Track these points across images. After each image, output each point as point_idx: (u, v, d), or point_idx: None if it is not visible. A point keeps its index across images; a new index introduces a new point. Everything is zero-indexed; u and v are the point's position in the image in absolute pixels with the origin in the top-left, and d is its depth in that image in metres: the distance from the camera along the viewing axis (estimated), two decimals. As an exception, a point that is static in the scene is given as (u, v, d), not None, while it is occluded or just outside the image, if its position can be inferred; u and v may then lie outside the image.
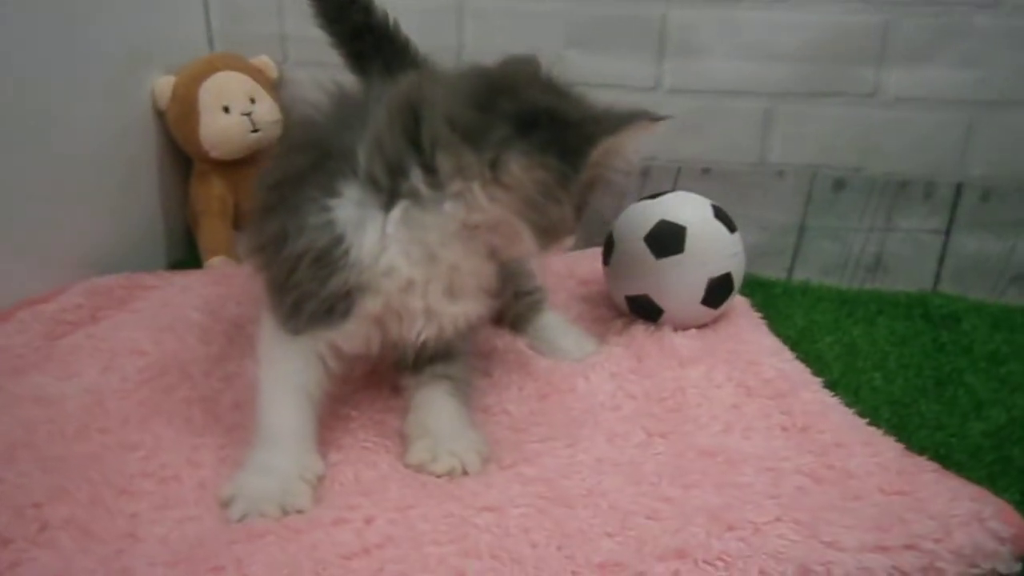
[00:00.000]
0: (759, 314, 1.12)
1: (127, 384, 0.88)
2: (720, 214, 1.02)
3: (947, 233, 1.26)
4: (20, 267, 1.05)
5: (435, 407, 0.82)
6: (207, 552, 0.63)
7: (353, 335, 0.77)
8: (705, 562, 0.62)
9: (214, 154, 1.25)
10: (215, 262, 1.24)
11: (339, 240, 0.71)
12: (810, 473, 0.75)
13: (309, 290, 0.73)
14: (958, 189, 1.23)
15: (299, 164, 0.75)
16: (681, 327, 1.01)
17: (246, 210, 1.28)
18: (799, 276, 1.31)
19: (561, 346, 0.99)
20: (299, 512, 0.70)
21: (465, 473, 0.76)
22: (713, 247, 0.99)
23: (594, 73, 1.27)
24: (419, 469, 0.77)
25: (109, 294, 1.09)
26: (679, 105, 1.25)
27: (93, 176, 1.16)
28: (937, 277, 1.28)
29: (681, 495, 0.71)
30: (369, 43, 0.95)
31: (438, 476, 0.76)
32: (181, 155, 1.30)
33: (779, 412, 0.85)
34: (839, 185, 1.26)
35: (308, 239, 0.71)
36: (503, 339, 1.02)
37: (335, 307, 0.73)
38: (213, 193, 1.28)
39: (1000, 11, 1.15)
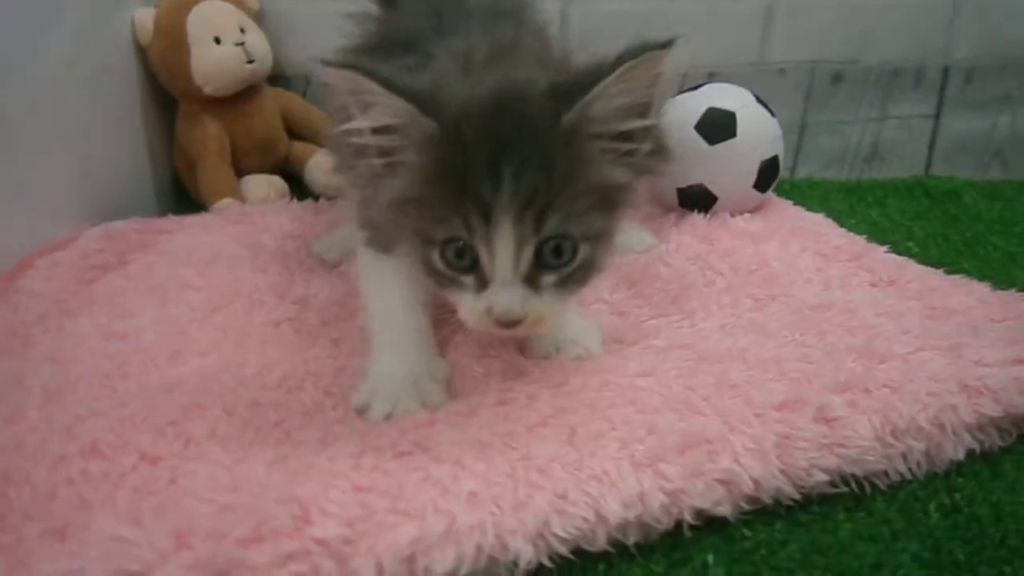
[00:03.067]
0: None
1: (198, 314, 0.82)
2: (760, 100, 1.04)
3: (936, 117, 1.33)
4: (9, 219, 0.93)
5: None
6: (385, 441, 0.59)
7: None
8: (875, 390, 0.64)
9: (208, 90, 1.16)
10: (224, 204, 1.15)
11: None
12: (921, 313, 0.78)
13: None
14: (945, 72, 1.30)
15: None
16: (735, 213, 1.02)
17: (244, 150, 1.21)
18: (801, 173, 1.35)
19: (620, 242, 0.98)
20: (436, 408, 0.67)
21: None
22: (762, 130, 1.01)
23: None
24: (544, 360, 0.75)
25: (126, 238, 1.00)
26: (682, 10, 1.27)
27: (71, 123, 1.03)
28: (928, 161, 1.35)
29: (819, 342, 0.72)
30: None
31: (565, 363, 0.74)
32: (165, 96, 1.20)
33: (863, 271, 0.88)
34: (837, 79, 1.31)
35: None
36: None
37: None
38: (209, 134, 1.18)
39: None
